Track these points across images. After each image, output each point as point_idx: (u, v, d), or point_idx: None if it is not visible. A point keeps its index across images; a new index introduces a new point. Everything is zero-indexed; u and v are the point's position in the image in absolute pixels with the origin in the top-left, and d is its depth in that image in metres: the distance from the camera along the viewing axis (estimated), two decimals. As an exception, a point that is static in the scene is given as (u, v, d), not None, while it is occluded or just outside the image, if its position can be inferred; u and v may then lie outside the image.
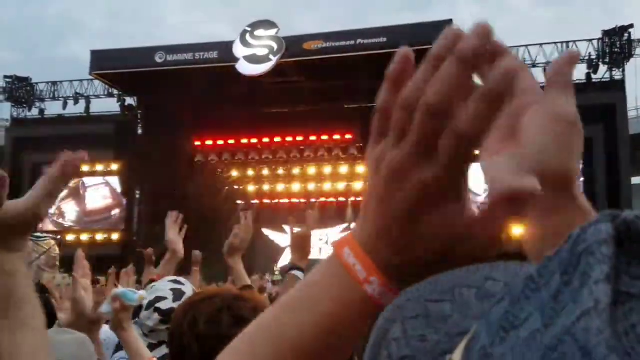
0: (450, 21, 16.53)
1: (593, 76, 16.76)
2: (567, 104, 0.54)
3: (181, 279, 2.26)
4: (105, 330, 2.55)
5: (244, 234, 2.55)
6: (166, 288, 2.12)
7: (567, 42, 17.19)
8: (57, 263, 12.50)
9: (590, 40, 17.03)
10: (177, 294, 2.07)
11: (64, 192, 18.38)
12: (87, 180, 19.89)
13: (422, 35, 16.03)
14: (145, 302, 2.08)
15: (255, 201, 22.04)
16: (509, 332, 0.29)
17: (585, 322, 0.26)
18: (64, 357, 1.66)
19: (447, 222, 0.44)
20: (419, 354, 0.37)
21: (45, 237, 12.69)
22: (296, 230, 2.43)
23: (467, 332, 0.33)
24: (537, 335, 0.28)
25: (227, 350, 0.50)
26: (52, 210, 18.89)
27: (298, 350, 0.46)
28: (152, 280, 2.46)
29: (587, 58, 16.63)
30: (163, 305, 2.04)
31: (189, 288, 2.13)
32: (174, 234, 2.72)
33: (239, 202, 21.19)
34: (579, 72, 16.24)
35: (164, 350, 2.03)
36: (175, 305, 2.02)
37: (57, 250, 12.64)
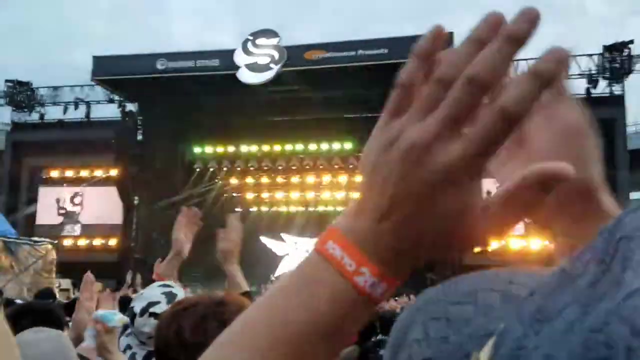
0: (451, 34, 16.60)
1: (592, 91, 16.82)
2: (571, 111, 0.53)
3: (169, 282, 2.23)
4: None
5: (234, 236, 2.43)
6: (157, 293, 2.10)
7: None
8: (54, 268, 12.42)
9: (590, 55, 17.10)
10: (170, 297, 2.05)
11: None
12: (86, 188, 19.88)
13: (423, 47, 16.09)
14: (137, 310, 2.07)
15: (254, 208, 22.02)
16: (542, 324, 0.29)
17: (633, 301, 0.26)
18: (40, 354, 1.65)
19: (463, 202, 0.42)
20: (441, 355, 0.37)
21: (42, 241, 12.61)
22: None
23: (492, 333, 0.33)
24: (575, 324, 0.28)
25: (211, 349, 0.48)
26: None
27: (294, 344, 0.44)
28: (153, 281, 2.42)
29: (587, 73, 16.69)
30: (157, 309, 2.02)
31: (179, 290, 2.11)
32: (181, 234, 2.60)
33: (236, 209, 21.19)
34: (579, 87, 16.31)
35: None
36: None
37: (54, 254, 12.57)
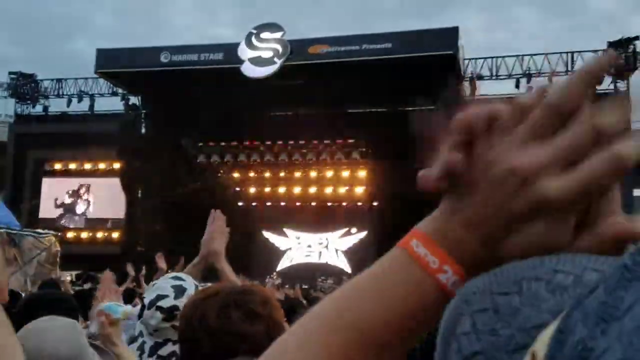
0: (456, 29, 16.56)
1: (597, 87, 16.72)
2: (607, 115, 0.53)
3: (182, 274, 2.25)
4: None
5: (219, 235, 2.49)
6: (167, 285, 2.11)
7: (572, 53, 17.21)
8: (58, 259, 12.45)
9: (595, 52, 17.03)
10: (178, 291, 2.06)
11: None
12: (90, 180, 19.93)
13: (426, 42, 16.08)
14: (146, 302, 2.09)
15: (256, 203, 22.05)
16: (609, 324, 0.28)
17: None
18: (52, 342, 1.66)
19: (551, 240, 0.41)
20: (491, 349, 0.36)
21: (46, 233, 12.64)
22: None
23: (542, 325, 0.33)
24: None
25: (278, 344, 0.48)
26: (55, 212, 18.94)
27: (367, 342, 0.44)
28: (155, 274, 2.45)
29: (591, 69, 16.61)
30: (164, 303, 2.03)
31: (190, 284, 2.12)
32: (220, 244, 2.49)
33: (240, 204, 21.21)
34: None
35: (169, 347, 2.03)
36: (176, 302, 2.02)
37: (57, 246, 12.60)
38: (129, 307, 2.06)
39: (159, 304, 2.05)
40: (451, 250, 0.44)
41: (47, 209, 20.04)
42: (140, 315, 2.10)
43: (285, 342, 0.48)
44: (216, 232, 2.47)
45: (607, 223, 0.42)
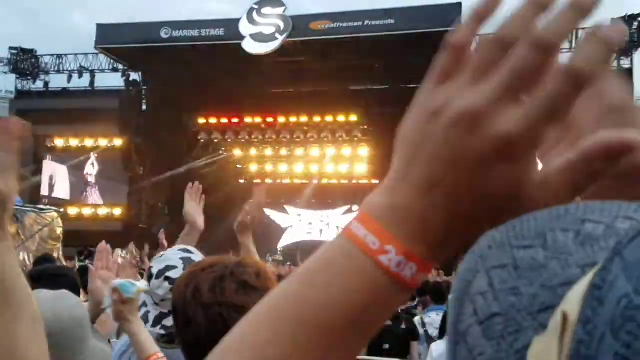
0: (459, 4, 16.37)
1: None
2: (616, 87, 0.49)
3: (191, 247, 2.26)
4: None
5: (255, 212, 2.54)
6: (176, 257, 2.12)
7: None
8: (60, 236, 12.52)
9: (599, 28, 16.86)
10: (187, 263, 2.07)
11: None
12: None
13: (430, 17, 15.90)
14: (155, 271, 2.10)
15: (258, 180, 22.07)
16: None
17: None
18: (44, 313, 1.68)
19: (518, 176, 0.38)
20: (512, 310, 0.32)
21: (48, 209, 12.69)
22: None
23: (571, 281, 0.30)
24: None
25: (234, 331, 0.44)
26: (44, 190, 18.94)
27: (327, 327, 0.40)
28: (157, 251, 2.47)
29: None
30: (173, 274, 2.04)
31: (198, 257, 2.13)
32: (193, 206, 2.64)
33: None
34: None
35: None
36: None
37: (60, 222, 12.66)
38: (143, 284, 2.06)
39: (168, 274, 2.06)
40: (399, 225, 0.39)
41: (47, 186, 20.06)
42: (148, 284, 2.11)
43: (237, 326, 0.44)
44: (254, 206, 2.54)
45: (578, 144, 0.38)
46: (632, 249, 0.27)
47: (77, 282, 2.67)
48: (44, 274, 2.65)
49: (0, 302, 0.91)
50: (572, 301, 0.28)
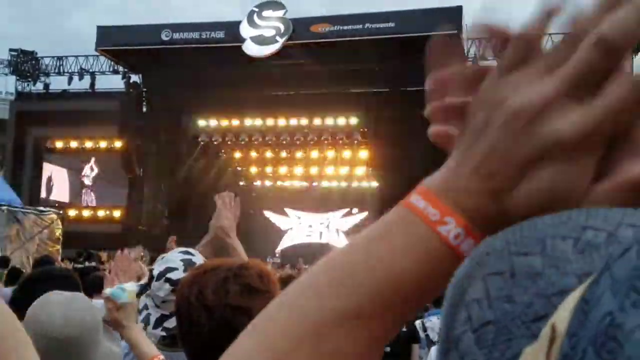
0: (460, 8, 16.39)
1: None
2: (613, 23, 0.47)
3: (192, 250, 2.26)
4: None
5: (233, 212, 2.42)
6: (177, 259, 2.12)
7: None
8: (60, 237, 12.51)
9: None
10: (188, 264, 2.07)
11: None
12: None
13: (431, 21, 15.92)
14: (155, 273, 2.10)
15: (257, 183, 22.08)
16: None
17: None
18: (54, 317, 1.67)
19: (572, 181, 0.37)
20: (506, 318, 0.31)
21: (48, 211, 12.68)
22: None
23: (566, 290, 0.29)
24: None
25: (276, 301, 0.43)
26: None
27: (377, 305, 0.40)
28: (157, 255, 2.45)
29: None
30: (174, 275, 2.04)
31: (199, 259, 2.12)
32: (228, 220, 2.43)
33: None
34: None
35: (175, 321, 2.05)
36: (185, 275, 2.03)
37: (59, 224, 12.65)
38: (131, 286, 2.05)
39: (169, 275, 2.06)
40: (456, 202, 0.40)
41: (47, 188, 20.07)
42: (149, 286, 2.11)
43: (280, 297, 0.43)
44: (226, 210, 2.42)
45: (627, 166, 0.36)
46: (622, 264, 0.25)
47: (79, 284, 2.67)
48: (49, 275, 2.65)
49: None
50: (563, 312, 0.27)
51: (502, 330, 0.31)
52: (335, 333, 0.40)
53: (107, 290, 1.97)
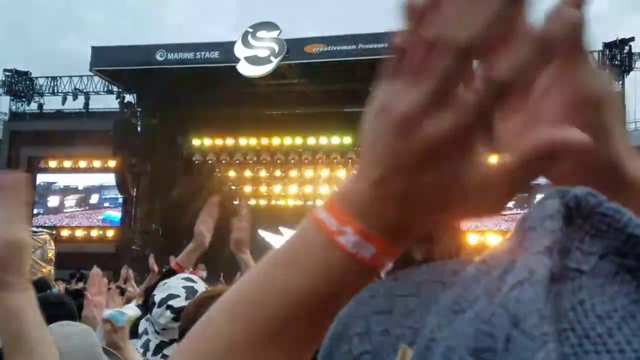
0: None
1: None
2: (588, 76, 0.45)
3: (194, 277, 2.25)
4: None
5: (244, 225, 2.53)
6: (179, 286, 2.11)
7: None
8: (53, 258, 12.43)
9: (591, 52, 17.06)
10: (190, 292, 2.05)
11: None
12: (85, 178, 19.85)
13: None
14: (157, 300, 2.08)
15: (252, 201, 22.03)
16: (457, 315, 0.29)
17: (517, 292, 0.26)
18: (67, 349, 1.65)
19: (456, 176, 0.39)
20: (380, 348, 0.35)
21: (40, 231, 12.61)
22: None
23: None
24: (480, 314, 0.27)
25: (202, 319, 0.46)
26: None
27: (290, 312, 0.42)
28: (166, 274, 2.43)
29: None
30: (175, 303, 2.03)
31: (201, 286, 2.11)
32: (206, 227, 2.61)
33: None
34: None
35: (175, 348, 2.02)
36: (187, 303, 2.02)
37: (52, 244, 12.58)
38: (133, 311, 2.05)
39: (170, 302, 2.05)
40: (356, 210, 0.40)
41: (39, 207, 19.96)
42: (149, 312, 2.09)
43: (206, 315, 0.47)
44: (242, 221, 2.51)
45: (526, 139, 0.38)
46: (448, 295, 0.31)
47: (73, 310, 2.65)
48: (45, 302, 2.62)
49: (13, 347, 0.91)
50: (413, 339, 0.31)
51: (375, 357, 0.35)
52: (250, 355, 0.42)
53: (107, 313, 1.96)
